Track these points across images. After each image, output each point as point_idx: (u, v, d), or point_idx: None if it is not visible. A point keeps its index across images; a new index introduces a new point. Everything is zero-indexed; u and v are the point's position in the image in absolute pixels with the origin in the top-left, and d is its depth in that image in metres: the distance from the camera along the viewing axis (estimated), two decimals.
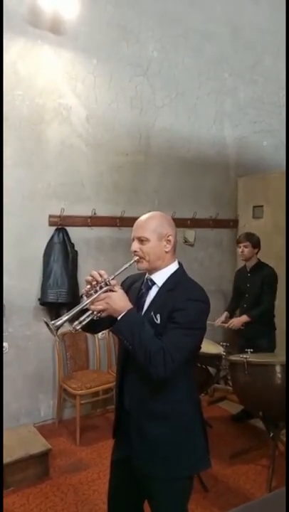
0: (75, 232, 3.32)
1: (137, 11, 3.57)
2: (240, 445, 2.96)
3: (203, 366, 2.66)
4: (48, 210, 3.22)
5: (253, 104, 4.41)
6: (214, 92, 4.13)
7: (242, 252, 3.29)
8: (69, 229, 3.28)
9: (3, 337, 3.07)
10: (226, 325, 3.37)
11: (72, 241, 3.29)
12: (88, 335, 3.43)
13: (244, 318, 3.25)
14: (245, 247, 3.27)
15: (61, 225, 3.25)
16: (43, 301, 3.14)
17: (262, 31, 4.39)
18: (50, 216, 3.22)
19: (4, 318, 3.07)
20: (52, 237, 3.22)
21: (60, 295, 3.12)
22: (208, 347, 2.97)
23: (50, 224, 3.23)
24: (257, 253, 3.31)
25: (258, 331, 3.21)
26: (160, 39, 3.73)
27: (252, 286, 3.30)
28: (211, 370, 2.82)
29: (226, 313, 3.50)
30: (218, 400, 3.75)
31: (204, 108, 4.06)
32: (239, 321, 3.27)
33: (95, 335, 3.39)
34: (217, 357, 2.87)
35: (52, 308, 3.20)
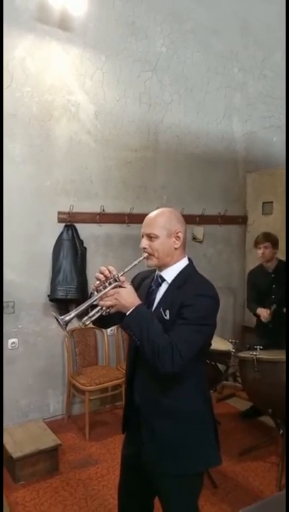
0: (83, 229, 3.33)
1: (146, 7, 3.55)
2: (250, 442, 2.95)
3: (212, 363, 2.65)
4: (56, 207, 3.23)
5: (262, 100, 4.37)
6: (223, 87, 4.10)
7: (263, 253, 3.18)
8: (78, 225, 3.29)
9: (13, 333, 3.10)
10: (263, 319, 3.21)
11: (81, 238, 3.30)
12: (97, 331, 3.44)
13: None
14: (266, 247, 3.16)
15: (70, 222, 3.26)
16: (52, 298, 3.15)
17: (271, 27, 4.34)
18: (59, 213, 3.23)
19: (14, 315, 3.09)
20: (61, 233, 3.23)
21: (70, 291, 3.13)
22: (218, 344, 2.96)
23: (59, 221, 3.24)
24: (276, 253, 3.20)
25: (282, 331, 3.01)
26: (169, 35, 3.71)
27: (279, 288, 3.17)
28: (220, 366, 2.81)
29: (265, 310, 3.21)
30: (227, 396, 3.74)
31: (213, 103, 4.03)
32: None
33: (104, 331, 3.40)
34: (226, 354, 2.86)
35: (61, 305, 3.21)
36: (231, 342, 3.04)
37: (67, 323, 1.39)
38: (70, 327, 3.31)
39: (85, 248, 3.32)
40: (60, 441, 2.67)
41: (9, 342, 3.08)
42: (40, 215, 3.17)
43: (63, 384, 3.32)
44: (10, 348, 3.08)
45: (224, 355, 2.85)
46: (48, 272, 3.19)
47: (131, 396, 1.57)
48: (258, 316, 3.31)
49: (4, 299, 3.03)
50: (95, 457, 2.79)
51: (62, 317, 1.39)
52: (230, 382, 3.85)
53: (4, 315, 3.04)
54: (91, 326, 2.25)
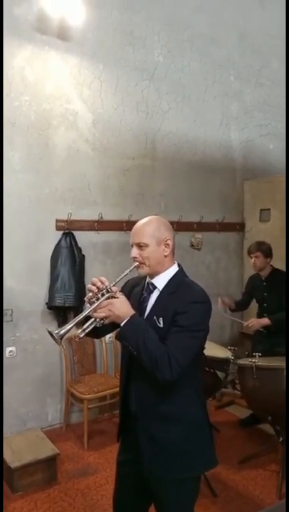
0: (82, 237, 3.33)
1: (143, 16, 3.60)
2: (249, 450, 2.93)
3: (212, 370, 2.64)
4: (55, 215, 3.23)
5: (259, 108, 4.41)
6: (220, 96, 4.14)
7: (254, 263, 3.22)
8: (76, 233, 3.30)
9: (11, 341, 3.08)
10: (245, 323, 3.27)
11: (80, 245, 3.30)
12: (95, 339, 3.43)
13: (265, 320, 3.12)
14: (257, 257, 3.19)
15: (68, 230, 3.26)
16: (50, 305, 3.14)
17: (269, 35, 4.39)
18: (58, 220, 3.24)
19: (12, 323, 3.08)
20: (59, 241, 3.23)
21: (68, 299, 3.13)
22: (216, 351, 2.95)
23: (58, 228, 3.24)
24: (269, 262, 3.23)
25: (279, 337, 3.01)
26: (166, 44, 3.75)
27: (270, 296, 3.22)
28: (219, 374, 2.80)
29: (220, 301, 3.32)
30: (226, 404, 3.72)
31: (210, 111, 4.07)
32: (259, 322, 3.15)
33: (103, 338, 3.39)
34: (225, 361, 2.85)
35: (59, 312, 3.21)
36: (230, 349, 3.04)
37: (62, 337, 1.39)
38: (68, 335, 3.30)
39: (84, 256, 3.32)
40: (59, 451, 2.65)
41: (7, 350, 3.06)
42: (38, 223, 3.17)
43: (62, 392, 3.30)
44: (8, 356, 3.07)
45: (223, 363, 2.85)
46: (46, 279, 3.19)
47: (126, 403, 1.57)
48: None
49: (3, 307, 3.03)
50: (93, 466, 2.77)
51: (57, 331, 1.39)
52: (230, 390, 3.83)
53: (2, 323, 3.03)
54: None
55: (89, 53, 3.33)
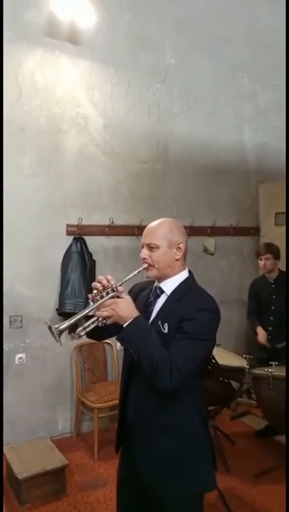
0: (92, 242, 3.28)
1: (154, 19, 3.56)
2: (266, 463, 2.81)
3: (226, 380, 2.54)
4: (65, 220, 3.19)
5: (273, 109, 4.31)
6: (233, 98, 4.06)
7: (264, 265, 3.19)
8: (87, 238, 3.25)
9: (21, 348, 3.04)
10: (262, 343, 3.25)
11: (90, 250, 3.25)
12: (106, 345, 3.37)
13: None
14: (267, 259, 3.17)
15: (79, 235, 3.22)
16: (60, 311, 3.09)
17: (280, 35, 4.29)
18: (68, 225, 3.20)
19: (22, 329, 3.04)
20: (70, 246, 3.19)
21: (78, 305, 3.08)
22: (231, 359, 2.86)
23: (68, 233, 3.20)
24: (278, 263, 3.21)
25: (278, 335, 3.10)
26: (177, 46, 3.70)
27: (279, 298, 3.18)
28: (234, 383, 2.70)
29: (265, 334, 3.25)
30: (242, 414, 3.60)
31: (223, 114, 3.99)
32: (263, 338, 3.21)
33: (113, 345, 3.32)
34: (240, 370, 2.75)
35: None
36: (245, 358, 2.94)
37: (61, 332, 1.33)
38: (78, 342, 3.23)
39: (94, 261, 3.27)
40: (68, 461, 2.58)
41: (17, 357, 3.02)
42: (48, 228, 3.14)
43: (72, 400, 3.24)
44: (17, 363, 3.03)
45: (238, 372, 2.75)
46: (57, 285, 3.15)
47: (125, 411, 1.50)
48: (255, 333, 3.31)
49: (12, 313, 2.99)
50: (103, 478, 2.69)
51: (56, 326, 1.33)
52: (245, 399, 3.72)
53: (12, 329, 3.00)
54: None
55: (100, 57, 3.30)
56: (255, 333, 3.31)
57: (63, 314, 3.11)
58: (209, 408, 2.81)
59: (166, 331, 1.37)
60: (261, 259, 3.19)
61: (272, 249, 3.16)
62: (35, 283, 3.08)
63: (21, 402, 3.02)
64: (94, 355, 3.33)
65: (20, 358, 3.04)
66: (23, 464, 2.49)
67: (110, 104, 3.38)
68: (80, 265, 3.17)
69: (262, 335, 3.23)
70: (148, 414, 1.41)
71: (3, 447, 2.55)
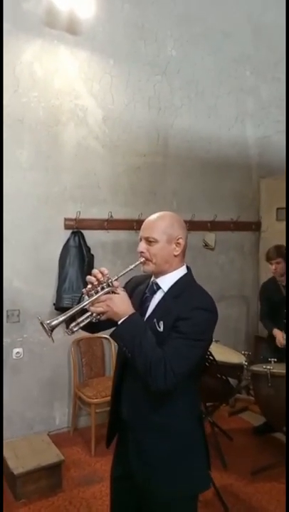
0: (91, 236, 3.24)
1: (155, 10, 3.49)
2: (263, 460, 2.79)
3: (223, 377, 2.52)
4: (63, 213, 3.16)
5: (276, 103, 4.24)
6: (235, 91, 4.00)
7: (275, 269, 3.08)
8: (85, 232, 3.21)
9: (18, 342, 3.02)
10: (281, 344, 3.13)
11: (89, 244, 3.22)
12: (104, 340, 3.35)
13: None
14: (278, 263, 3.06)
15: (77, 229, 3.18)
16: (58, 306, 3.07)
17: (284, 28, 4.22)
18: (66, 219, 3.16)
19: (19, 324, 3.02)
20: (68, 240, 3.15)
21: (76, 300, 3.04)
22: (230, 356, 2.83)
23: (66, 227, 3.16)
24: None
25: None
26: (179, 38, 3.63)
27: None
28: (232, 380, 2.67)
29: (283, 334, 3.11)
30: (240, 410, 3.59)
31: (225, 107, 3.93)
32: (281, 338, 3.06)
33: (112, 341, 3.30)
34: (238, 367, 2.72)
35: None
36: (244, 354, 2.91)
37: (53, 328, 1.29)
38: (76, 336, 3.20)
39: (92, 255, 3.23)
40: (64, 457, 2.57)
41: (14, 352, 3.00)
42: (46, 222, 3.10)
43: (69, 395, 3.22)
44: (15, 357, 3.00)
45: (236, 369, 2.72)
46: (54, 279, 3.12)
47: (118, 409, 1.47)
48: (271, 336, 3.19)
49: (9, 308, 2.97)
50: (99, 474, 2.67)
51: (48, 322, 1.29)
52: (244, 395, 3.70)
53: (9, 324, 2.98)
54: (98, 335, 2.15)
55: (99, 48, 3.24)
56: (271, 336, 3.20)
57: (61, 309, 3.08)
58: (207, 404, 2.80)
59: (161, 329, 1.33)
60: (272, 264, 3.09)
61: (282, 253, 3.06)
62: (32, 277, 3.05)
63: (18, 396, 3.00)
64: (92, 350, 3.31)
65: (18, 352, 3.02)
66: (19, 460, 2.47)
67: (110, 96, 3.33)
68: (78, 260, 3.13)
69: (280, 335, 3.10)
70: (141, 413, 1.38)
71: None
